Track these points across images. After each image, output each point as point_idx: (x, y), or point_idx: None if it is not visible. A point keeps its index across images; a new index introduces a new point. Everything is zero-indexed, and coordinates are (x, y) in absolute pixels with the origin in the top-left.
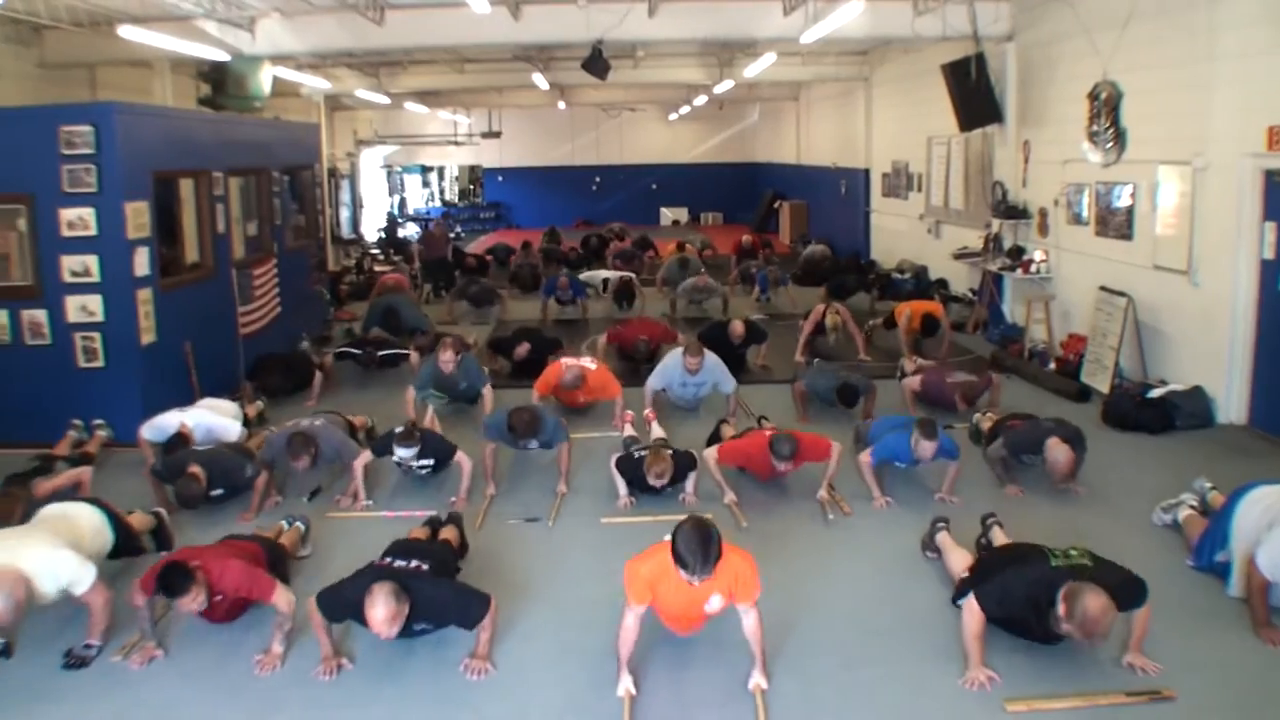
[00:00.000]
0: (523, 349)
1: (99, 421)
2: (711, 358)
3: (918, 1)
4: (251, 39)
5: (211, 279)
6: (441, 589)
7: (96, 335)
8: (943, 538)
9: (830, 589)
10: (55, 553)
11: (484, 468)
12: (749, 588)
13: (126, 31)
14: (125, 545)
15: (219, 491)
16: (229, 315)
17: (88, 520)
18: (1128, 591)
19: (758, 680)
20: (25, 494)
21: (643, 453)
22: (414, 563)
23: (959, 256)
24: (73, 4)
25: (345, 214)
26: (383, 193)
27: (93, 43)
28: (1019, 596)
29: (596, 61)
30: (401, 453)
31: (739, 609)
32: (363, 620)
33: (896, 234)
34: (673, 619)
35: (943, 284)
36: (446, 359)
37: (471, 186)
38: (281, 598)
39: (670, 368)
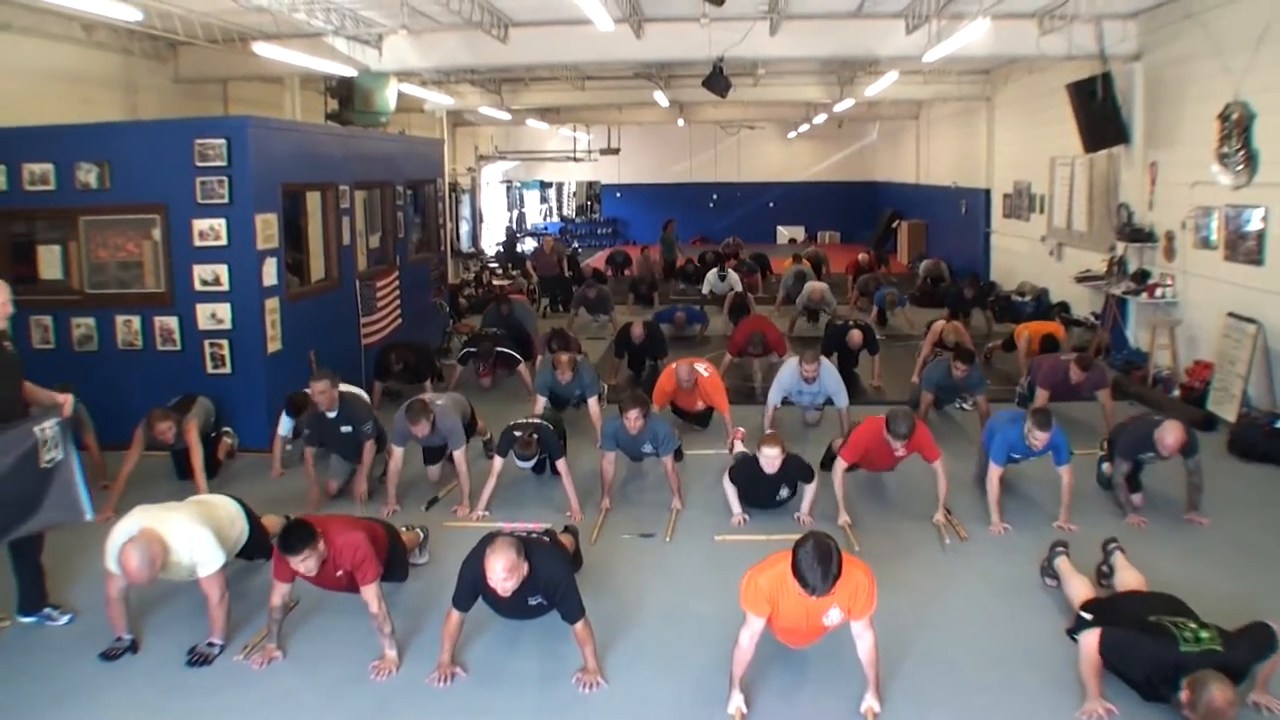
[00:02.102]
0: (639, 329)
1: (226, 429)
2: (828, 367)
3: (1043, 20)
4: (379, 56)
5: (336, 289)
6: (558, 564)
7: (225, 342)
8: (1061, 563)
9: (945, 614)
10: (196, 528)
11: (602, 482)
12: (866, 603)
13: (261, 49)
14: (258, 541)
15: (347, 429)
16: (352, 325)
17: (225, 509)
18: (1259, 647)
19: (870, 703)
20: (178, 418)
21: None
22: (532, 534)
23: (1081, 280)
24: (208, 21)
25: (465, 228)
26: (502, 207)
27: (226, 59)
28: (1138, 663)
29: (717, 79)
30: (521, 464)
31: (854, 628)
32: (488, 590)
33: (1017, 255)
34: (788, 633)
35: (1064, 307)
36: (563, 370)
37: (589, 202)
38: (373, 594)
39: (786, 378)
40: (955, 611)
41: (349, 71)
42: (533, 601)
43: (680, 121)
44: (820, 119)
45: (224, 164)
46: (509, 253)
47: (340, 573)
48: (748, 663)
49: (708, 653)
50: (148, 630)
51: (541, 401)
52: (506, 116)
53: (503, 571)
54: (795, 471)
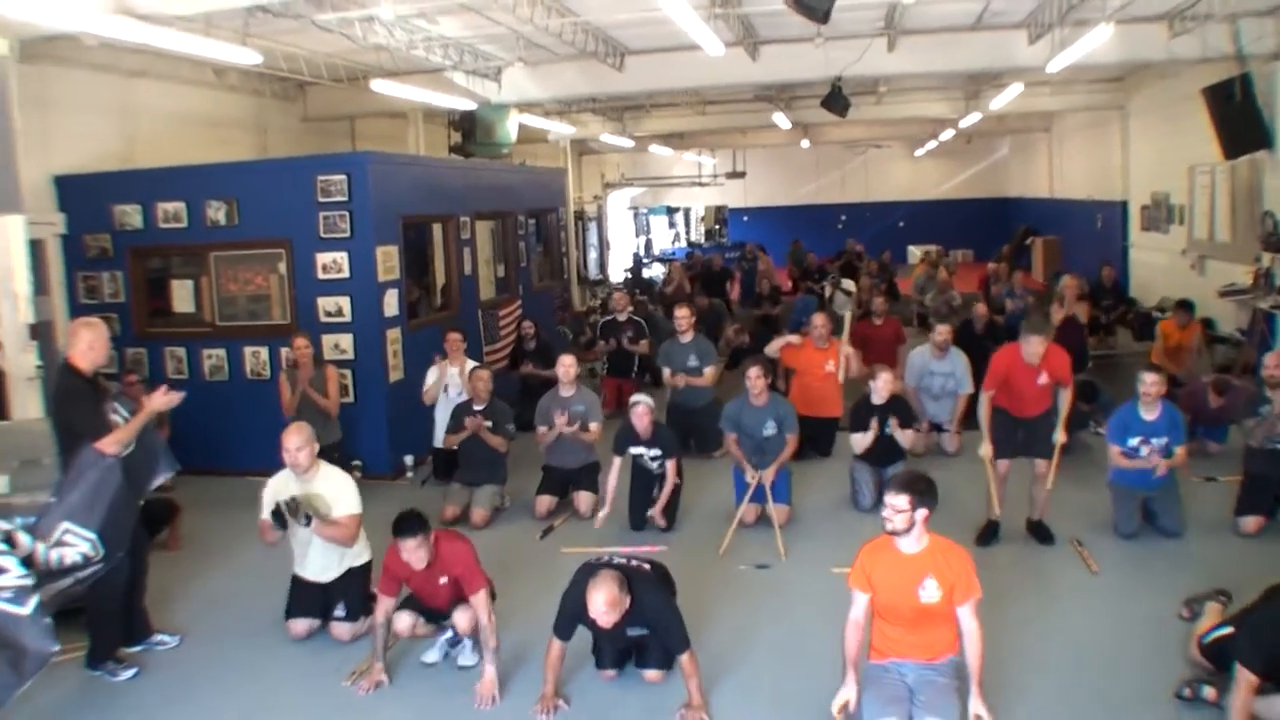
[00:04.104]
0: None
1: (357, 463)
2: (956, 350)
3: (1173, 22)
4: (498, 88)
5: (458, 318)
6: (660, 596)
7: (347, 372)
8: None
9: (1068, 651)
10: (347, 480)
11: (735, 456)
12: (967, 584)
13: (379, 85)
14: (367, 575)
15: (489, 424)
16: (475, 354)
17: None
18: None
19: (978, 709)
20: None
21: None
22: (634, 561)
23: (1225, 293)
24: (332, 61)
25: (592, 255)
26: (629, 234)
27: (351, 97)
28: (1273, 639)
29: (836, 98)
30: (637, 447)
31: (960, 614)
32: (589, 621)
33: (1157, 269)
34: (890, 611)
35: (1208, 323)
36: (682, 323)
37: (717, 226)
38: (483, 602)
39: (916, 361)
40: (1079, 649)
41: (469, 105)
42: (633, 633)
43: (805, 143)
44: (947, 135)
45: (345, 199)
46: (635, 279)
47: (445, 579)
48: (860, 642)
49: (817, 691)
50: (257, 648)
51: (669, 374)
52: (629, 144)
53: (604, 605)
54: (901, 408)
